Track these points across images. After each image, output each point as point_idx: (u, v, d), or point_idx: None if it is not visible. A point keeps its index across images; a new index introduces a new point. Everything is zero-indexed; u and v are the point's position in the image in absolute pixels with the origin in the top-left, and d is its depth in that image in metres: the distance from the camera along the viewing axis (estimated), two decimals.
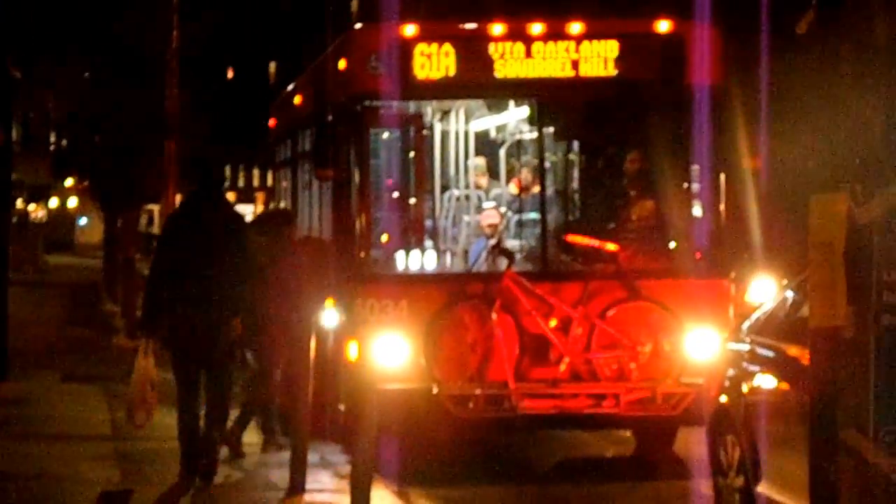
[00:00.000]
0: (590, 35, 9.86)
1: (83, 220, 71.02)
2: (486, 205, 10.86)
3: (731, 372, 8.11)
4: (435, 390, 9.45)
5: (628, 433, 11.05)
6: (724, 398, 8.06)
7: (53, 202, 67.58)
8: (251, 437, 11.50)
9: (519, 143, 11.03)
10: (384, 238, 10.29)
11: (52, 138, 47.29)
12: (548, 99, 9.95)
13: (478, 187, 11.11)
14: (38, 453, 10.38)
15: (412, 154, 10.66)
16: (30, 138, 45.31)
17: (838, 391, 4.95)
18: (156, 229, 52.71)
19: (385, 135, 10.65)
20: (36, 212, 61.40)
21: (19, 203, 46.39)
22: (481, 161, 11.24)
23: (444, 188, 11.16)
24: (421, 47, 9.77)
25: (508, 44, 9.83)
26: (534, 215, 10.35)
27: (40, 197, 58.93)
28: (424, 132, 10.81)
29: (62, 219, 70.62)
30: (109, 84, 22.53)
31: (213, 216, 9.14)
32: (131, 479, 9.47)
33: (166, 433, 11.58)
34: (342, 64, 10.22)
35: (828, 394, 4.96)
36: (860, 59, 4.70)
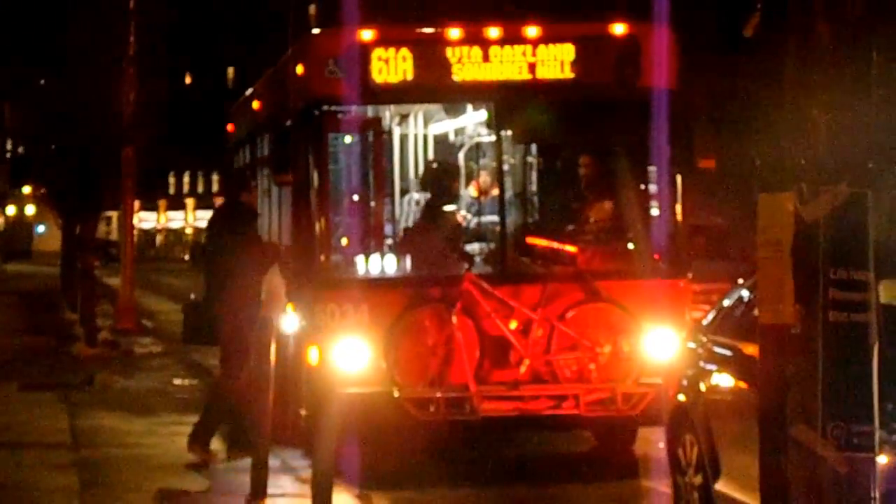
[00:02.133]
0: (546, 38, 9.93)
1: (41, 228, 70.55)
2: (445, 208, 10.89)
3: (689, 371, 8.18)
4: (396, 394, 9.48)
5: (588, 433, 11.12)
6: (682, 397, 8.13)
7: (11, 210, 67.06)
8: (213, 443, 11.48)
9: (477, 145, 11.08)
10: (344, 242, 10.31)
11: (9, 146, 46.89)
12: (505, 102, 10.00)
13: None
14: None
15: (371, 158, 10.69)
16: None
17: (787, 387, 5.03)
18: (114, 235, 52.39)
19: (344, 139, 10.67)
20: None
21: None
22: (439, 164, 11.26)
23: (404, 192, 11.19)
24: (379, 52, 9.80)
25: (466, 48, 9.88)
26: (493, 218, 10.39)
27: None
28: (383, 136, 10.85)
29: (20, 227, 70.13)
30: (65, 91, 22.38)
31: (230, 222, 10.62)
32: (90, 486, 9.44)
33: (125, 440, 11.56)
34: (300, 69, 10.24)
35: (777, 390, 5.04)
36: (805, 61, 4.78)
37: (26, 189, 52.69)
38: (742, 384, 7.33)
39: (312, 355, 9.74)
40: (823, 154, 4.82)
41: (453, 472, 10.31)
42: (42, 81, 24.56)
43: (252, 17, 62.25)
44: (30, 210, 68.02)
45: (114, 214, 46.82)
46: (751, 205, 5.29)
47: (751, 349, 7.06)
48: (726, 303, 8.23)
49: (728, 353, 7.73)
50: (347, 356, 9.58)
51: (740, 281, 8.55)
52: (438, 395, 9.51)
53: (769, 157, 4.94)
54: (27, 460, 10.42)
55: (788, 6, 4.70)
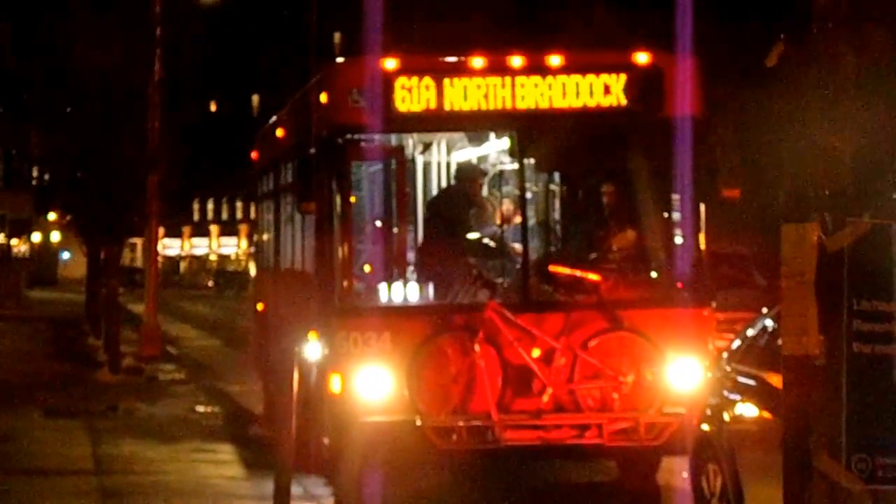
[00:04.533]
0: (569, 67, 9.94)
1: (66, 255, 70.92)
2: (468, 236, 10.89)
3: (712, 401, 8.16)
4: (418, 422, 9.46)
5: (611, 463, 11.07)
6: (706, 427, 8.10)
7: (36, 237, 67.41)
8: (235, 470, 11.48)
9: (500, 174, 11.08)
10: (366, 270, 10.32)
11: (35, 173, 47.21)
12: (528, 130, 10.01)
13: None
14: (21, 489, 10.34)
15: (394, 186, 10.70)
16: (12, 173, 45.27)
17: (811, 418, 5.00)
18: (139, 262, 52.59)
19: (367, 167, 10.70)
20: (18, 246, 61.25)
21: (1, 238, 46.31)
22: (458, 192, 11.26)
23: (427, 220, 11.18)
24: (402, 80, 9.83)
25: (489, 77, 9.90)
26: (515, 246, 10.38)
27: (22, 231, 58.81)
28: (406, 164, 10.86)
29: (45, 253, 70.49)
30: (91, 118, 22.55)
31: None
32: None
33: (147, 467, 11.57)
34: (324, 97, 10.28)
35: (800, 421, 5.02)
36: (829, 91, 4.77)
37: (52, 216, 52.99)
38: (766, 414, 7.29)
39: (334, 383, 9.73)
40: (847, 184, 4.81)
41: (475, 501, 10.26)
42: (68, 109, 24.75)
43: (277, 44, 62.63)
44: (55, 237, 68.40)
45: (138, 241, 47.02)
46: (774, 234, 5.27)
47: (775, 379, 7.02)
48: (750, 332, 8.20)
49: (752, 382, 7.69)
50: (369, 384, 9.57)
51: (764, 310, 8.51)
52: (461, 423, 9.48)
53: (792, 188, 4.92)
54: (51, 487, 10.43)
55: (812, 36, 4.70)
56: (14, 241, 57.88)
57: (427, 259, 10.45)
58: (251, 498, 10.05)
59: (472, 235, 10.83)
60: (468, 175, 10.87)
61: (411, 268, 10.54)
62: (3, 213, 40.79)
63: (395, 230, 10.70)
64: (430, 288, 10.48)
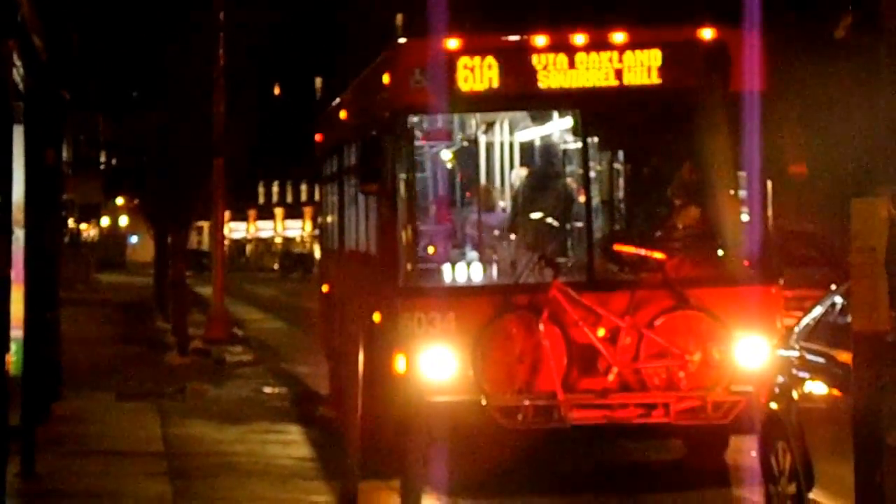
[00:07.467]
0: (633, 44, 9.86)
1: (134, 239, 71.84)
2: (532, 216, 10.86)
3: (781, 379, 8.08)
4: (484, 402, 9.47)
5: (678, 441, 11.01)
6: (774, 405, 8.03)
7: (105, 221, 68.29)
8: (303, 450, 11.55)
9: (564, 152, 11.04)
10: (430, 250, 10.33)
11: (103, 158, 47.78)
12: (592, 109, 9.95)
13: None
14: (93, 470, 10.49)
15: (457, 166, 10.69)
16: (80, 158, 45.81)
17: (882, 395, 4.94)
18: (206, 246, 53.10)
19: (429, 147, 10.69)
20: (87, 231, 62.08)
21: (71, 222, 46.91)
22: (526, 172, 11.25)
23: None
24: (464, 60, 9.82)
25: (551, 55, 9.85)
26: (579, 225, 10.34)
27: (91, 216, 59.57)
28: (469, 144, 10.85)
29: (114, 237, 71.49)
30: (157, 103, 22.77)
31: None
32: (183, 494, 9.56)
33: (216, 448, 11.69)
34: (386, 78, 10.29)
35: (871, 398, 4.95)
36: None
37: (120, 200, 53.65)
38: (836, 392, 7.21)
39: (399, 364, 9.76)
40: None
41: (542, 481, 10.26)
42: (134, 94, 25.00)
43: (339, 26, 62.84)
44: (123, 221, 69.30)
45: (205, 224, 47.50)
46: (843, 209, 5.20)
47: (844, 356, 6.94)
48: (819, 309, 8.11)
49: (821, 360, 7.61)
50: (434, 364, 9.59)
51: (833, 287, 8.41)
52: (526, 403, 9.48)
53: (861, 162, 4.85)
54: (122, 468, 10.58)
55: (881, 6, 4.61)
56: (83, 226, 58.66)
57: (521, 236, 10.41)
58: (319, 478, 10.13)
59: (536, 215, 10.80)
60: (545, 155, 10.84)
61: (475, 247, 10.54)
62: (72, 198, 41.34)
63: (458, 210, 10.68)
64: (494, 267, 10.48)
